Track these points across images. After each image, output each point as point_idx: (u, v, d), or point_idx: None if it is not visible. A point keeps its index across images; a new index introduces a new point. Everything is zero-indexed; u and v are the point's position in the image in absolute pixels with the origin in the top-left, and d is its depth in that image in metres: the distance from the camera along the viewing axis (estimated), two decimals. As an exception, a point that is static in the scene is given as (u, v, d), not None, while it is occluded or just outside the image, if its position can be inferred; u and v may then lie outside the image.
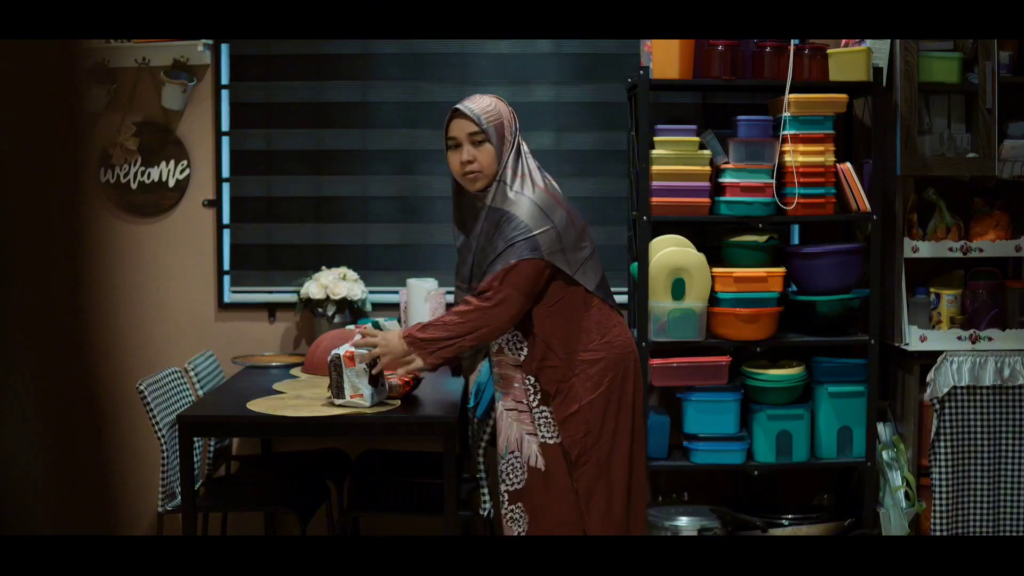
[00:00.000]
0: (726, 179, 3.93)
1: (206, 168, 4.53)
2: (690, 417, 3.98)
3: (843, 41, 4.04)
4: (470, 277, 3.13)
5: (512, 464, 3.13)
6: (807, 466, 4.06)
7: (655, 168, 3.92)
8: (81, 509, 0.80)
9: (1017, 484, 4.01)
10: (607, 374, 3.08)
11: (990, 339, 4.02)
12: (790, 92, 3.89)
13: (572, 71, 4.47)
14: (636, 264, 4.00)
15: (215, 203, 4.52)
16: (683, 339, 3.92)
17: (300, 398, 3.57)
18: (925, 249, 4.05)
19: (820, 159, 3.90)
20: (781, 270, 3.93)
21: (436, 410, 3.49)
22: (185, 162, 4.51)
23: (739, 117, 3.96)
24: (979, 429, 4.00)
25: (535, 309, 3.05)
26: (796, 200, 3.87)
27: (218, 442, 4.21)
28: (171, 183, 4.51)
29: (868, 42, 3.95)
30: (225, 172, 4.54)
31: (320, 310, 4.33)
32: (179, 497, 3.63)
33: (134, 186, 4.51)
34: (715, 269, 3.92)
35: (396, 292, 4.46)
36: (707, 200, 3.95)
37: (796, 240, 4.38)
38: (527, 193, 3.03)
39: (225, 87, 4.52)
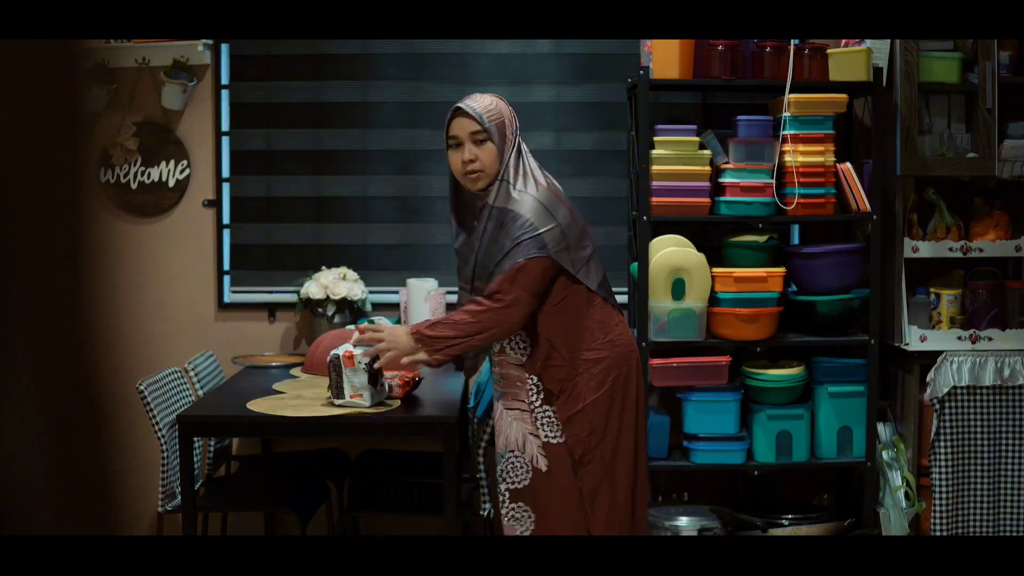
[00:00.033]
0: (726, 179, 3.93)
1: (206, 168, 4.53)
2: (690, 417, 3.98)
3: (843, 41, 4.04)
4: (472, 278, 3.12)
5: (513, 463, 3.13)
6: (807, 466, 4.06)
7: (655, 168, 3.92)
8: (81, 509, 0.80)
9: (1017, 484, 4.01)
10: (610, 373, 3.08)
11: (990, 339, 4.02)
12: (790, 92, 3.89)
13: (572, 71, 4.47)
14: (636, 264, 4.00)
15: (215, 203, 4.52)
16: (683, 339, 3.92)
17: (300, 398, 3.58)
18: (925, 249, 4.05)
19: (820, 159, 3.90)
20: (781, 270, 3.93)
21: (436, 410, 3.49)
22: (185, 162, 4.51)
23: (739, 117, 3.96)
24: (979, 429, 4.00)
25: (539, 308, 3.04)
26: (796, 200, 3.87)
27: (218, 442, 4.21)
28: (171, 183, 4.51)
29: (868, 42, 3.95)
30: (225, 172, 4.54)
31: (320, 310, 4.33)
32: (179, 497, 3.63)
33: (134, 186, 4.51)
34: (715, 269, 3.92)
35: (396, 292, 4.46)
36: (707, 200, 3.95)
37: (796, 240, 4.38)
38: (531, 191, 3.03)
39: (225, 87, 4.52)
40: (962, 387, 3.98)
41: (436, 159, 4.24)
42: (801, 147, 3.88)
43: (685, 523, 3.92)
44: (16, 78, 0.75)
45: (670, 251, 3.92)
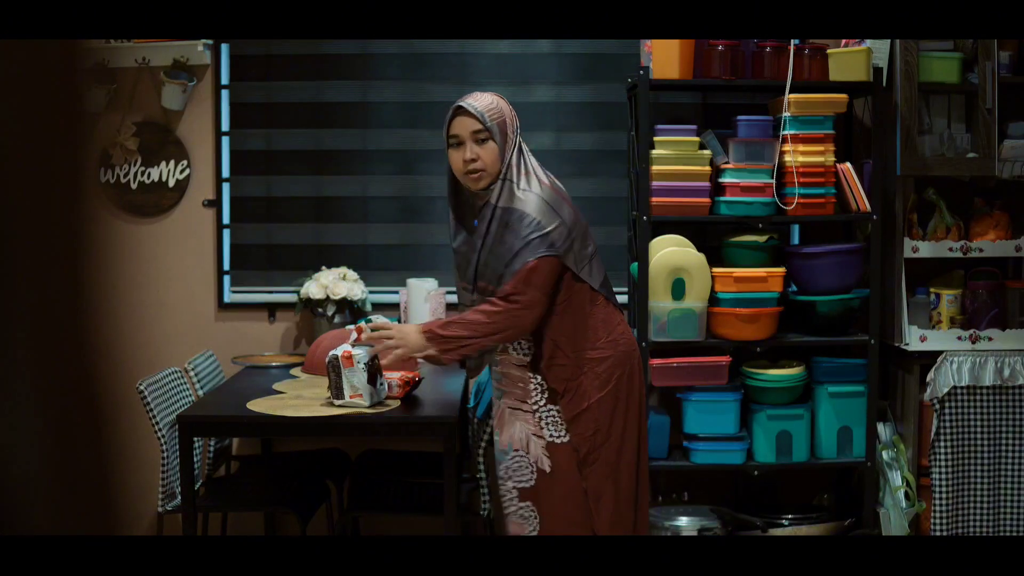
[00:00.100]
0: (726, 179, 3.93)
1: (206, 168, 4.53)
2: (690, 417, 3.98)
3: (843, 41, 4.04)
4: (475, 277, 3.10)
5: (518, 462, 3.12)
6: (807, 466, 4.06)
7: (655, 168, 3.92)
8: (81, 509, 0.80)
9: (1017, 484, 4.01)
10: (614, 372, 3.08)
11: (990, 339, 4.02)
12: (790, 92, 3.89)
13: (572, 71, 4.47)
14: (636, 264, 4.00)
15: (215, 203, 4.52)
16: (683, 339, 3.92)
17: (300, 398, 3.58)
18: (925, 249, 4.05)
19: (820, 159, 3.90)
20: (781, 270, 3.93)
21: (436, 410, 3.49)
22: (185, 162, 4.51)
23: (739, 117, 3.96)
24: (979, 429, 4.00)
25: (544, 308, 3.04)
26: (796, 200, 3.87)
27: (218, 442, 4.21)
28: (171, 183, 4.51)
29: (868, 42, 3.95)
30: (225, 172, 4.54)
31: (320, 310, 4.33)
32: (179, 497, 3.63)
33: (134, 186, 4.51)
34: (715, 269, 3.92)
35: (396, 292, 4.46)
36: (707, 200, 3.95)
37: (796, 240, 4.38)
38: (535, 190, 3.02)
39: (225, 87, 4.52)
40: (962, 387, 3.98)
41: (436, 159, 4.24)
42: (801, 147, 3.88)
43: (685, 523, 3.92)
44: (16, 78, 0.75)
45: (670, 251, 3.92)
